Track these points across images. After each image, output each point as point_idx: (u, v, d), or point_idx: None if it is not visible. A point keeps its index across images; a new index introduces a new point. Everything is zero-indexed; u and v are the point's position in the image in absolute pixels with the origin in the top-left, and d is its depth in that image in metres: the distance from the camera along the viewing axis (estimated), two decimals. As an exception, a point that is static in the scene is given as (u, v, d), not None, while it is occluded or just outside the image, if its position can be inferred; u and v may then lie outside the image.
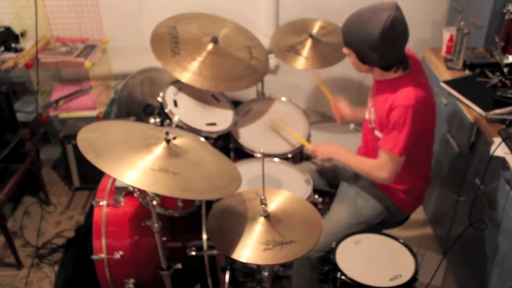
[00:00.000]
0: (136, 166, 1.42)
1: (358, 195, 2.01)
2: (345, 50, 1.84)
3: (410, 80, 1.78)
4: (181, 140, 1.61)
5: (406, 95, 1.74)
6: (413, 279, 1.65)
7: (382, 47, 1.69)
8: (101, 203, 2.02)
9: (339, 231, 1.88)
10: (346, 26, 1.77)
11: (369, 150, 2.01)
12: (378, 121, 1.86)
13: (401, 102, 1.73)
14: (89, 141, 1.48)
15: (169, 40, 2.32)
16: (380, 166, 1.83)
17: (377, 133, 1.89)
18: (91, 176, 2.88)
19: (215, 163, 1.66)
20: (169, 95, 2.29)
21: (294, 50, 2.48)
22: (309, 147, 2.15)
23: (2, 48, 2.63)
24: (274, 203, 1.61)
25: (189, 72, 2.23)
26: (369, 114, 1.98)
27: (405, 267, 1.69)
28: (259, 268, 1.97)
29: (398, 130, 1.75)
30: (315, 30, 2.52)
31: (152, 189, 1.39)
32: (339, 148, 2.03)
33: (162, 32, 2.34)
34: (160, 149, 1.51)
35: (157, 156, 1.48)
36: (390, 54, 1.74)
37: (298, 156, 2.36)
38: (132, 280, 2.01)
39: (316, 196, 2.01)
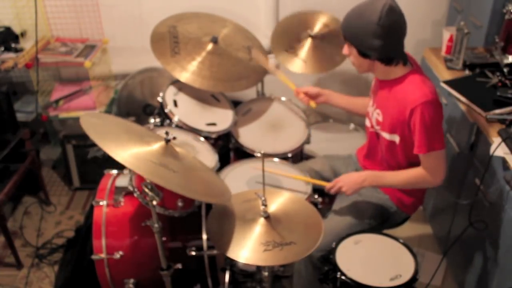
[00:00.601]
0: (139, 155, 1.42)
1: (360, 196, 2.01)
2: (345, 49, 1.84)
3: (417, 76, 1.79)
4: (178, 149, 1.63)
5: (421, 92, 1.73)
6: (413, 279, 1.65)
7: (382, 33, 1.70)
8: (101, 203, 2.02)
9: (341, 230, 1.88)
10: (345, 21, 1.79)
11: (374, 152, 2.00)
12: (389, 122, 1.85)
13: (419, 100, 1.72)
14: (92, 123, 1.49)
15: (169, 39, 2.32)
16: (430, 172, 1.80)
17: (385, 134, 1.89)
18: (91, 176, 2.89)
19: (209, 174, 1.68)
20: (169, 95, 2.29)
21: (293, 52, 2.48)
22: (325, 185, 1.94)
23: (2, 48, 2.63)
24: (274, 204, 1.61)
25: (189, 72, 2.23)
26: (371, 117, 1.97)
27: (405, 267, 1.69)
28: (259, 268, 1.98)
29: (427, 128, 1.73)
30: (316, 28, 2.52)
31: (157, 181, 1.39)
32: (368, 174, 1.90)
33: (162, 32, 2.34)
34: (160, 148, 1.51)
35: (157, 153, 1.49)
36: (390, 42, 1.74)
37: (298, 156, 2.36)
38: (132, 280, 2.01)
39: (316, 196, 2.01)
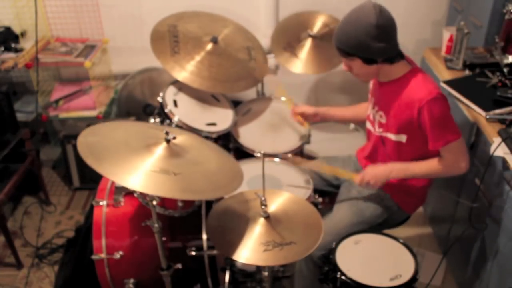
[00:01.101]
0: (137, 169, 1.42)
1: (361, 195, 2.01)
2: (345, 65, 1.84)
3: (418, 74, 1.79)
4: (182, 139, 1.61)
5: (426, 90, 1.74)
6: (413, 279, 1.65)
7: (383, 32, 1.70)
8: (101, 203, 2.02)
9: (341, 230, 1.89)
10: (340, 36, 1.76)
11: (377, 154, 2.00)
12: (395, 123, 1.85)
13: (426, 98, 1.72)
14: (89, 144, 1.48)
15: (169, 39, 2.32)
16: (452, 162, 1.80)
17: (390, 135, 1.89)
18: (91, 176, 2.89)
19: (216, 160, 1.66)
20: (169, 95, 2.29)
21: (292, 51, 2.48)
22: (355, 178, 1.91)
23: (2, 48, 2.63)
24: (274, 204, 1.61)
25: (188, 72, 2.23)
26: (373, 119, 1.97)
27: (405, 267, 1.69)
28: (259, 268, 1.98)
29: (439, 123, 1.74)
30: (316, 28, 2.52)
31: (153, 192, 1.39)
32: (394, 166, 1.88)
33: (162, 30, 2.34)
34: (160, 149, 1.51)
35: (157, 157, 1.48)
36: (392, 40, 1.75)
37: (299, 156, 2.36)
38: (132, 280, 2.01)
39: (316, 196, 2.01)
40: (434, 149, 1.79)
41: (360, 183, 1.89)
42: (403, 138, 1.85)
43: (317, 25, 2.55)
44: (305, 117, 2.24)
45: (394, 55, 1.78)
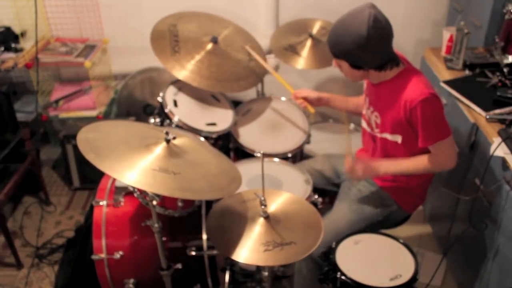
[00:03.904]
0: (136, 166, 1.42)
1: (360, 193, 2.02)
2: (335, 63, 1.83)
3: (411, 74, 1.79)
4: (181, 140, 1.61)
5: (418, 90, 1.73)
6: (413, 279, 1.65)
7: (372, 45, 1.68)
8: (101, 203, 2.02)
9: (341, 227, 1.89)
10: (331, 37, 1.76)
11: (374, 154, 2.00)
12: (389, 123, 1.85)
13: (417, 99, 1.71)
14: (89, 141, 1.48)
15: (169, 38, 2.32)
16: (441, 159, 1.81)
17: (387, 135, 1.88)
18: (91, 176, 2.89)
19: (215, 163, 1.67)
20: (169, 95, 2.29)
21: (293, 50, 2.49)
22: (346, 162, 1.88)
23: (2, 48, 2.63)
24: (274, 204, 1.61)
25: (188, 70, 2.23)
26: (369, 120, 1.97)
27: (405, 267, 1.70)
28: (259, 268, 1.98)
29: (430, 122, 1.74)
30: (315, 30, 2.53)
31: (152, 189, 1.39)
32: (381, 162, 1.89)
33: (162, 30, 2.34)
34: (160, 149, 1.51)
35: (157, 156, 1.48)
36: (381, 51, 1.73)
37: (298, 156, 2.36)
38: (132, 280, 2.01)
39: (316, 196, 2.01)
40: (423, 146, 1.79)
41: (348, 169, 1.86)
42: (398, 138, 1.85)
43: (316, 27, 2.56)
44: (308, 101, 2.22)
45: (383, 63, 1.76)
